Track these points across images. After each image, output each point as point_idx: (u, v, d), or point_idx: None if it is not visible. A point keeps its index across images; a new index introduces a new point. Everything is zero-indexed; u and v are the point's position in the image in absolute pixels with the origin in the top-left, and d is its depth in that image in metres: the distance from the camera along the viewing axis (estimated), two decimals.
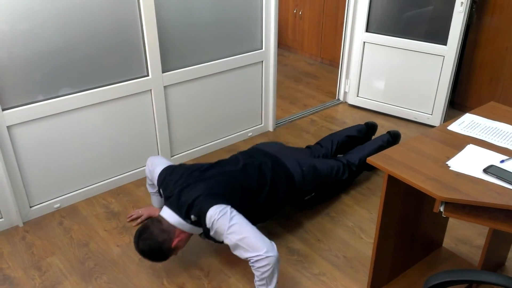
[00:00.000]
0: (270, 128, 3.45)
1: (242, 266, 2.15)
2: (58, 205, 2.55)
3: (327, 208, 2.57)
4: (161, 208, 2.05)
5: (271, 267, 1.77)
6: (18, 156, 2.32)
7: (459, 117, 1.90)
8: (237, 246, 1.81)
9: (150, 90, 2.65)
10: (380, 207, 1.72)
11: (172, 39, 2.64)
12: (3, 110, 2.19)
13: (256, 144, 2.56)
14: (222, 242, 1.90)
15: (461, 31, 3.12)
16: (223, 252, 2.24)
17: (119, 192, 2.71)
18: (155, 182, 2.16)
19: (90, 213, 2.53)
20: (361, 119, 3.58)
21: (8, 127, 2.23)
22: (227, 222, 1.82)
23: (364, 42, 3.57)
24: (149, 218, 2.44)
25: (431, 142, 1.73)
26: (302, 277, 2.12)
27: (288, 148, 2.57)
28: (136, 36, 2.49)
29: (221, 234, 1.84)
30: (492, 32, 3.35)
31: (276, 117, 3.52)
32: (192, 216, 1.90)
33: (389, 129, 3.06)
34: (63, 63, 2.30)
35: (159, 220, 1.94)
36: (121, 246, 2.28)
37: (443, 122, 2.90)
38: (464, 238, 2.35)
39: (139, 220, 2.43)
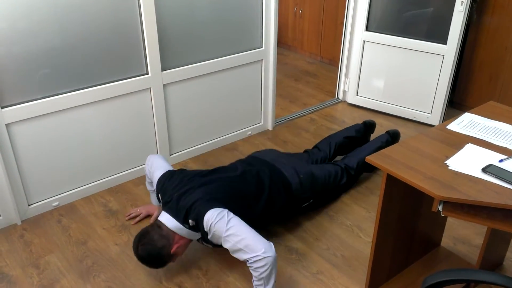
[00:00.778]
0: (270, 127, 3.45)
1: (241, 265, 2.15)
2: (56, 203, 2.55)
3: (326, 207, 2.57)
4: (159, 206, 2.05)
5: (269, 267, 1.77)
6: (17, 154, 2.32)
7: (458, 117, 1.90)
8: (235, 248, 1.81)
9: (150, 88, 2.65)
10: (378, 206, 1.72)
11: (171, 37, 2.64)
12: (1, 108, 2.18)
13: (253, 153, 2.56)
14: (220, 246, 1.90)
15: (461, 30, 3.12)
16: (221, 251, 2.24)
17: (117, 190, 2.71)
18: (154, 184, 2.16)
19: (89, 212, 2.52)
20: (360, 118, 3.57)
21: (7, 125, 2.23)
22: (225, 225, 1.82)
23: (364, 41, 3.57)
24: (148, 216, 2.44)
25: (430, 141, 1.73)
26: (300, 276, 2.12)
27: (285, 155, 2.56)
28: (136, 34, 2.49)
29: (219, 237, 1.85)
30: (492, 32, 3.34)
31: (276, 116, 3.52)
32: (190, 221, 1.90)
33: (388, 128, 3.06)
34: (62, 61, 2.29)
35: (159, 225, 1.94)
36: (120, 245, 2.28)
37: (442, 122, 2.91)
38: (463, 237, 2.35)
39: (137, 219, 2.43)
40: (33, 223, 2.43)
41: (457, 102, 3.74)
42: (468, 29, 3.41)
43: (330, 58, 4.86)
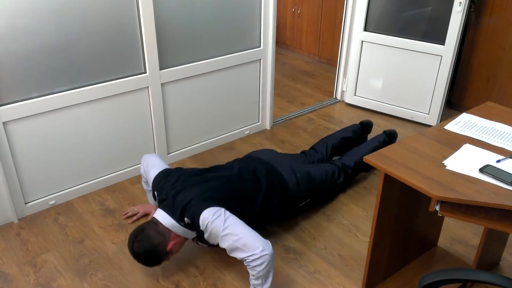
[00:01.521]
0: (267, 126, 3.45)
1: (238, 264, 2.14)
2: (53, 201, 2.54)
3: (323, 207, 2.57)
4: (156, 205, 2.04)
5: (266, 265, 1.77)
6: (14, 152, 2.31)
7: (456, 117, 1.90)
8: (233, 247, 1.81)
9: (147, 87, 2.65)
10: (376, 206, 1.72)
11: (170, 36, 2.64)
12: None
13: (250, 152, 2.56)
14: (216, 245, 1.90)
15: (459, 31, 3.13)
16: (218, 250, 2.23)
17: (114, 189, 2.70)
18: (150, 183, 2.15)
19: (86, 210, 2.52)
20: (358, 118, 3.58)
21: (4, 123, 2.22)
22: (222, 224, 1.81)
23: (362, 41, 3.57)
24: (145, 215, 2.44)
25: (427, 141, 1.74)
26: (298, 275, 2.12)
27: (282, 155, 2.56)
28: (134, 33, 2.48)
29: (216, 236, 1.84)
30: (490, 33, 3.35)
31: (274, 115, 3.52)
32: (186, 219, 1.90)
33: (386, 128, 3.07)
34: (60, 59, 2.29)
35: (155, 222, 1.93)
36: (117, 243, 2.28)
37: (440, 122, 2.91)
38: (459, 237, 2.35)
39: (134, 218, 2.42)
40: (30, 222, 2.42)
41: (454, 103, 3.75)
42: (466, 29, 3.42)
43: (328, 58, 4.86)
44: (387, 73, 3.56)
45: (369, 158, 1.62)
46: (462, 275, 1.26)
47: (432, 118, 3.47)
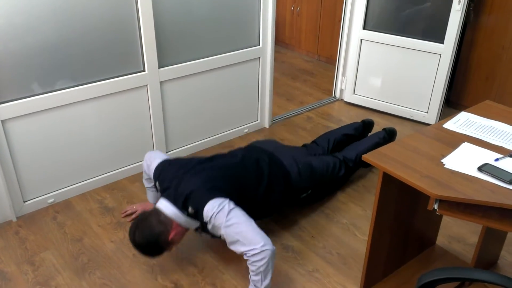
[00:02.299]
0: (266, 125, 3.45)
1: (237, 262, 2.15)
2: (52, 200, 2.54)
3: (322, 206, 2.58)
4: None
5: (266, 261, 1.77)
6: (12, 150, 2.31)
7: (455, 115, 1.90)
8: (234, 240, 1.80)
9: (146, 85, 2.64)
10: (374, 205, 1.72)
11: (169, 35, 2.63)
12: None
13: (253, 142, 2.55)
14: (219, 237, 1.89)
15: (458, 29, 3.13)
16: (217, 249, 2.24)
17: (113, 187, 2.70)
18: (151, 175, 2.14)
19: (84, 209, 2.52)
20: (357, 117, 3.58)
21: (3, 121, 2.21)
22: (225, 216, 1.80)
23: (361, 40, 3.57)
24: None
25: (426, 140, 1.74)
26: (296, 273, 2.12)
27: (284, 146, 2.57)
28: (133, 31, 2.48)
29: (218, 228, 1.83)
30: (489, 31, 3.35)
31: (272, 114, 3.52)
32: (190, 208, 1.88)
33: (384, 127, 3.06)
34: (59, 57, 2.28)
35: (157, 211, 1.91)
36: (115, 242, 2.28)
37: (439, 120, 2.91)
38: (458, 236, 2.36)
39: (133, 216, 2.42)
40: (28, 220, 2.42)
41: (453, 101, 3.75)
42: (465, 28, 3.42)
43: (327, 57, 4.86)
44: (386, 72, 3.56)
45: (368, 157, 1.62)
46: (461, 273, 1.26)
47: (431, 117, 3.48)
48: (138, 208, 2.45)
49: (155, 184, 2.13)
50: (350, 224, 2.44)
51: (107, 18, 2.36)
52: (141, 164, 2.80)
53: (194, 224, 1.95)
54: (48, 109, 2.33)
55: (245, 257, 1.80)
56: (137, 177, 2.78)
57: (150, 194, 2.38)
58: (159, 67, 2.65)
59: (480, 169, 1.52)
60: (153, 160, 2.16)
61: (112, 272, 2.10)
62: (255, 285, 1.84)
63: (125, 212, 2.45)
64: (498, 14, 3.26)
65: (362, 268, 1.91)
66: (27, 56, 2.19)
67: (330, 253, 2.24)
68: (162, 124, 2.82)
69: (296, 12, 4.97)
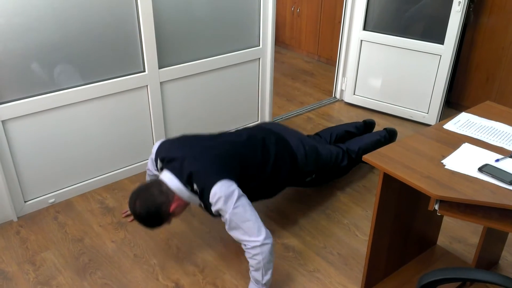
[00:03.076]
0: None
1: (237, 262, 2.15)
2: (53, 200, 2.54)
3: (323, 206, 2.58)
4: None
5: (266, 255, 1.78)
6: (13, 150, 2.31)
7: (455, 116, 1.91)
8: (236, 226, 1.79)
9: (147, 86, 2.64)
10: (375, 205, 1.73)
11: (169, 35, 2.63)
12: None
13: (259, 123, 2.52)
14: (219, 216, 1.87)
15: (458, 30, 3.13)
16: (218, 248, 2.24)
17: (114, 187, 2.70)
18: (153, 155, 2.10)
19: (85, 209, 2.52)
20: (357, 117, 3.58)
21: (3, 122, 2.22)
22: (233, 203, 1.78)
23: (362, 41, 3.57)
24: None
25: (426, 140, 1.74)
26: (297, 273, 2.12)
27: (291, 129, 2.55)
28: (133, 31, 2.48)
29: (224, 212, 1.80)
30: (489, 32, 3.36)
31: (273, 115, 3.52)
32: (195, 185, 1.85)
33: (385, 127, 3.07)
34: (59, 57, 2.28)
35: (159, 182, 1.88)
36: (116, 242, 2.28)
37: (439, 121, 2.91)
38: (459, 236, 2.36)
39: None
40: (29, 220, 2.42)
41: (453, 102, 3.75)
42: (465, 29, 3.42)
43: (327, 57, 4.86)
44: (386, 72, 3.56)
45: (368, 158, 1.63)
46: (462, 274, 1.26)
47: (431, 118, 3.48)
48: None
49: (155, 160, 2.08)
50: (351, 224, 2.45)
51: (107, 18, 2.36)
52: (141, 164, 2.82)
53: (195, 200, 1.92)
54: (49, 109, 2.34)
55: (244, 248, 1.80)
56: (138, 177, 2.78)
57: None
58: (159, 68, 2.65)
59: (480, 169, 1.52)
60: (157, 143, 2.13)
61: (113, 272, 2.10)
62: (256, 281, 1.84)
63: (126, 212, 2.45)
64: (498, 15, 3.27)
65: (363, 268, 1.92)
66: (27, 57, 2.19)
67: (331, 253, 2.24)
68: (163, 125, 2.82)
69: (296, 12, 4.97)
